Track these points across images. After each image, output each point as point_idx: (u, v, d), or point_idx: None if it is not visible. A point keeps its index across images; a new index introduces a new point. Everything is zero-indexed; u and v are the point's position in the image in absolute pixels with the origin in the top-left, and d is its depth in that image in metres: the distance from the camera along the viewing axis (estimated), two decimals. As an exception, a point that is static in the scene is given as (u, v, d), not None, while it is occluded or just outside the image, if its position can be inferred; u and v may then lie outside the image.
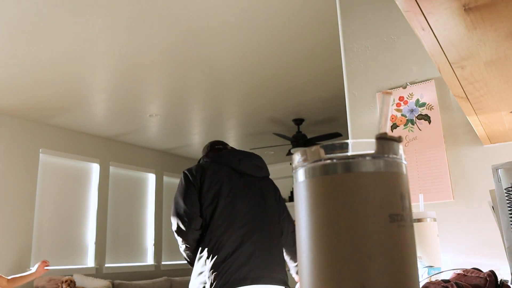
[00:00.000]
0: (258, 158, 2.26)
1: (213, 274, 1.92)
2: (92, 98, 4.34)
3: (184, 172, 2.12)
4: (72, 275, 4.69)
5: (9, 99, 4.27)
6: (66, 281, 4.34)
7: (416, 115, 1.66)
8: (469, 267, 0.86)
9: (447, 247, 1.47)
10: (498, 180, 0.81)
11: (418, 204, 1.20)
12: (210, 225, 2.01)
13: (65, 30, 3.00)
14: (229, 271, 1.91)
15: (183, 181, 2.08)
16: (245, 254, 1.96)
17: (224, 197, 2.03)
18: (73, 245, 5.17)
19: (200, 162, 2.21)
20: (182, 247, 2.08)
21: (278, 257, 2.07)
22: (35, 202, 4.84)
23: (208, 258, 1.97)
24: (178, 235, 2.03)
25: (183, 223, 2.00)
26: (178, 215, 2.02)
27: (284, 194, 7.44)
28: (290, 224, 2.26)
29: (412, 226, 0.35)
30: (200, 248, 2.02)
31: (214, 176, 2.07)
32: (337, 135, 4.90)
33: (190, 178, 2.07)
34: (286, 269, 2.16)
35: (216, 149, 2.28)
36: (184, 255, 2.12)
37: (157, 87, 4.15)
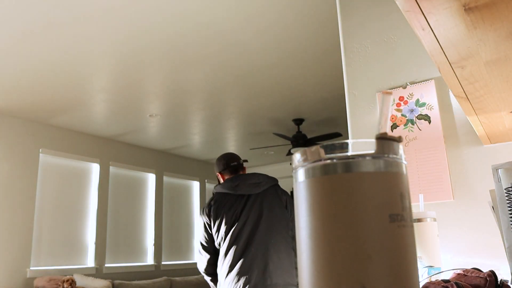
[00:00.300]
0: (254, 175, 2.52)
1: None
2: (92, 98, 4.34)
3: (200, 213, 2.53)
4: (72, 275, 4.69)
5: (9, 99, 4.27)
6: (67, 280, 4.34)
7: (416, 115, 1.66)
8: (469, 267, 0.86)
9: (447, 247, 1.48)
10: (498, 180, 0.81)
11: (418, 204, 1.20)
12: (220, 255, 2.39)
13: (65, 30, 3.01)
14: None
15: (201, 221, 2.51)
16: (242, 271, 2.27)
17: (227, 229, 2.36)
18: (73, 245, 5.17)
19: (213, 192, 2.57)
20: (205, 277, 2.53)
21: (275, 264, 2.30)
22: (35, 202, 4.84)
23: (220, 282, 2.36)
24: (200, 270, 2.50)
25: (201, 260, 2.46)
26: (199, 252, 2.49)
27: (284, 194, 7.43)
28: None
29: (412, 226, 0.35)
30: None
31: (218, 211, 2.42)
32: (337, 135, 4.90)
33: (204, 220, 2.47)
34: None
35: (232, 166, 2.57)
36: (211, 285, 2.55)
37: (157, 87, 4.15)
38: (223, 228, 2.37)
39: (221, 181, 2.59)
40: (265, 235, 2.34)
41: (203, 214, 2.48)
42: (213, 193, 2.55)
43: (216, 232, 2.40)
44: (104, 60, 3.49)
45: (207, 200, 7.19)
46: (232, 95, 4.43)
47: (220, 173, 2.61)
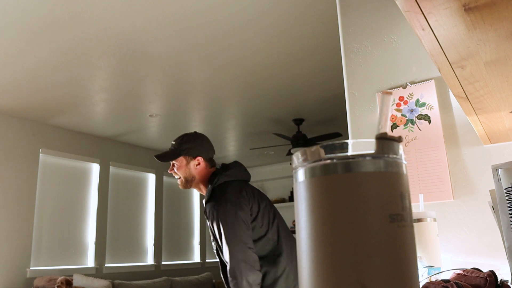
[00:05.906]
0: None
1: None
2: (92, 98, 4.34)
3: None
4: (72, 275, 4.68)
5: (9, 99, 4.27)
6: (65, 280, 4.31)
7: (416, 115, 1.66)
8: (469, 267, 0.86)
9: (447, 247, 1.48)
10: (498, 180, 0.81)
11: (418, 204, 1.20)
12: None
13: (65, 30, 3.00)
14: None
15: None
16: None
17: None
18: (73, 245, 5.16)
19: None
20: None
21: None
22: (35, 202, 4.84)
23: None
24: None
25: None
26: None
27: (284, 194, 7.44)
28: None
29: (412, 226, 0.35)
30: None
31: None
32: (337, 135, 4.90)
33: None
34: None
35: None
36: None
37: (157, 87, 4.15)
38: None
39: (198, 167, 2.14)
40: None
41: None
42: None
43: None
44: (104, 60, 3.49)
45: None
46: (232, 95, 4.43)
47: (203, 158, 2.14)
